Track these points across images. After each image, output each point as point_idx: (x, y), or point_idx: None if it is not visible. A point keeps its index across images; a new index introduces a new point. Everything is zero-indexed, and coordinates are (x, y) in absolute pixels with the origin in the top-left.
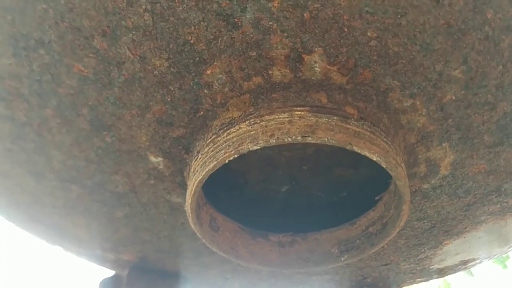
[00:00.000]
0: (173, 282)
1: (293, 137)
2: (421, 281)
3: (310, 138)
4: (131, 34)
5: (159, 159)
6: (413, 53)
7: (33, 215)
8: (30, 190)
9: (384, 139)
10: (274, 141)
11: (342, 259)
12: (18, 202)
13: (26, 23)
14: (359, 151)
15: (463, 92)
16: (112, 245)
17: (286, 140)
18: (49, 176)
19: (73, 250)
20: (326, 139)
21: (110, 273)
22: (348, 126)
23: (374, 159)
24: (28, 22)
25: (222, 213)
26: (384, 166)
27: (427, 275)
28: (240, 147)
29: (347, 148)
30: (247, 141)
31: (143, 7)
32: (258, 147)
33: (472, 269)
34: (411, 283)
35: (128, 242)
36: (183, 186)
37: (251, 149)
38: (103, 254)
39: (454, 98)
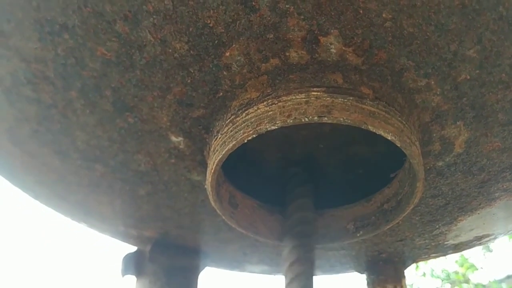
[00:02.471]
0: (194, 257)
1: (310, 117)
2: (436, 257)
3: (326, 118)
4: (152, 18)
5: (180, 138)
6: (428, 33)
7: (59, 193)
8: (55, 169)
9: (399, 118)
10: (291, 121)
11: (358, 235)
12: (45, 180)
13: (50, 8)
14: (374, 130)
15: (477, 71)
16: (134, 222)
17: (303, 120)
18: (74, 155)
19: (97, 227)
20: (342, 119)
21: (133, 248)
22: (364, 106)
23: (389, 138)
24: (53, 8)
25: (241, 191)
26: (399, 145)
27: (442, 250)
28: (259, 127)
29: (363, 127)
30: (265, 121)
31: None
32: (276, 127)
33: (490, 245)
34: (426, 259)
35: (150, 219)
36: (203, 164)
37: (269, 129)
38: (126, 230)
39: (468, 77)
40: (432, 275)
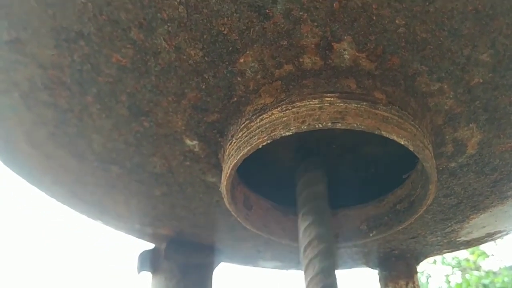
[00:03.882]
0: (208, 254)
1: (324, 123)
2: (448, 252)
3: (339, 124)
4: (167, 26)
5: (195, 142)
6: (441, 38)
7: (76, 192)
8: (72, 170)
9: (412, 122)
10: (305, 127)
11: (371, 235)
12: (62, 180)
13: (66, 16)
14: (387, 136)
15: (490, 75)
16: (150, 220)
17: (317, 126)
18: (90, 157)
19: (112, 225)
20: (355, 125)
21: (149, 245)
22: (377, 111)
23: (402, 143)
24: (69, 16)
25: (255, 192)
26: (412, 149)
27: (454, 246)
28: (273, 133)
29: (376, 133)
30: (280, 127)
31: (178, 0)
32: (290, 133)
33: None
34: (438, 254)
35: (165, 218)
36: (218, 167)
37: (283, 135)
38: (142, 228)
39: (481, 81)
40: (443, 263)
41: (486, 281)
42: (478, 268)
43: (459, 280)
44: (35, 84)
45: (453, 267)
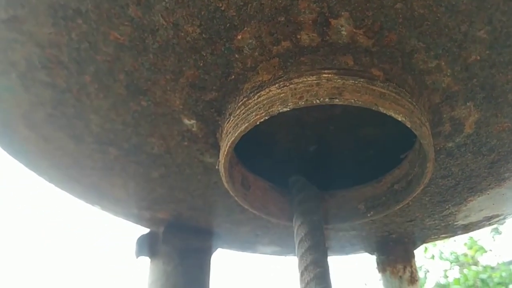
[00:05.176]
0: (206, 238)
1: (321, 99)
2: (446, 237)
3: (337, 100)
4: (164, 2)
5: (193, 121)
6: (438, 14)
7: (73, 176)
8: (70, 153)
9: (409, 99)
10: (303, 103)
11: (369, 215)
12: (59, 164)
13: None
14: (384, 112)
15: (487, 52)
16: (148, 204)
17: (314, 102)
18: (88, 139)
19: (110, 209)
20: (352, 100)
21: (146, 230)
22: (374, 87)
23: (399, 119)
24: None
25: (253, 173)
26: (409, 126)
27: (452, 231)
28: (271, 109)
29: (373, 108)
30: (277, 103)
31: None
32: (288, 109)
33: (499, 227)
34: (436, 239)
35: (163, 201)
36: (216, 147)
37: (281, 111)
38: (140, 213)
39: (478, 58)
40: (441, 258)
41: (484, 276)
42: (476, 263)
43: (457, 275)
44: (32, 64)
45: (451, 262)
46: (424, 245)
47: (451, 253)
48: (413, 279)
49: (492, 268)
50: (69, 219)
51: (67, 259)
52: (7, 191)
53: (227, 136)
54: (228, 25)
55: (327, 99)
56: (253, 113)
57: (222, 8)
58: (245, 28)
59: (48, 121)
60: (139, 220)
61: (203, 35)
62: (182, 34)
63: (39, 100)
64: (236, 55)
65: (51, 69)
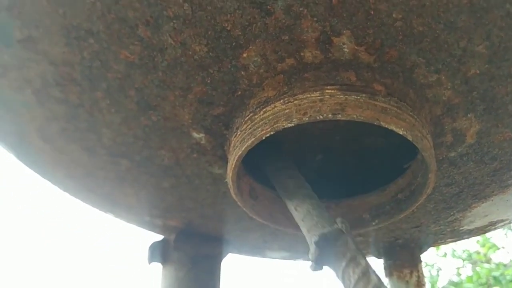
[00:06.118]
0: (217, 245)
1: (324, 114)
2: (452, 241)
3: (340, 116)
4: (172, 23)
5: (201, 135)
6: (437, 31)
7: (87, 186)
8: (83, 164)
9: (410, 113)
10: (306, 119)
11: (373, 223)
12: (73, 174)
13: (76, 15)
14: (386, 126)
15: (486, 66)
16: (159, 212)
17: (317, 118)
18: (100, 151)
19: (123, 217)
20: (355, 116)
21: (159, 237)
22: (376, 102)
23: (401, 133)
24: (78, 15)
25: (260, 183)
26: (410, 139)
27: (458, 235)
28: (276, 125)
29: (375, 123)
30: (282, 119)
31: None
32: (292, 125)
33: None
34: (442, 243)
35: (174, 209)
36: (224, 158)
37: (285, 126)
38: (152, 220)
39: (478, 72)
40: (454, 256)
41: (496, 274)
42: (488, 261)
43: (470, 273)
44: (46, 81)
45: (463, 260)
46: None
47: (464, 251)
48: (420, 283)
49: (505, 265)
50: (75, 222)
51: (73, 261)
52: (7, 191)
53: (235, 150)
54: (234, 44)
55: (330, 115)
56: (259, 128)
57: (228, 28)
58: (251, 47)
59: (62, 134)
60: (151, 227)
61: (210, 53)
62: (190, 52)
63: (53, 114)
64: (242, 72)
65: (64, 86)
